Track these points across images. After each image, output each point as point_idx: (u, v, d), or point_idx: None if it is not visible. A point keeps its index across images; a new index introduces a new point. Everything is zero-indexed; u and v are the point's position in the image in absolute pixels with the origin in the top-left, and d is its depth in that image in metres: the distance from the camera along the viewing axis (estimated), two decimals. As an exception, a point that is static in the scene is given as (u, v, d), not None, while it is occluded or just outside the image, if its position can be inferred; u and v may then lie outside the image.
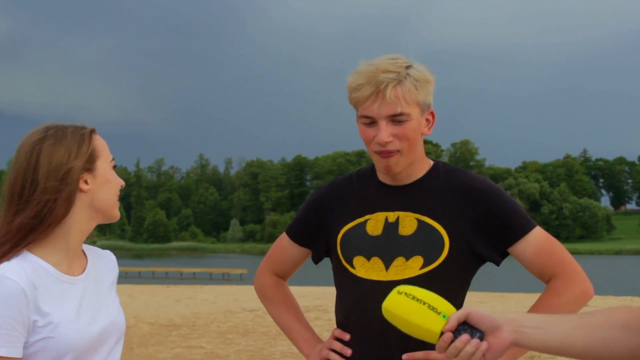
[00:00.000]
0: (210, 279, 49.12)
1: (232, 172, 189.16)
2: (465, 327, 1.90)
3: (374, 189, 2.65)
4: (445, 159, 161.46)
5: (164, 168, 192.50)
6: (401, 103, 2.45)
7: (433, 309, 1.92)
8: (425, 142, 2.79)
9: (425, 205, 2.56)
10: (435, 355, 2.48)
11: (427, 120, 2.57)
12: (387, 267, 2.53)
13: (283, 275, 2.90)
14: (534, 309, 2.54)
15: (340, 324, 2.66)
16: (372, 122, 2.50)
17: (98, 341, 2.18)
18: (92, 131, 2.27)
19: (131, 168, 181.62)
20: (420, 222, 2.54)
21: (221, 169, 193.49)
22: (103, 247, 2.48)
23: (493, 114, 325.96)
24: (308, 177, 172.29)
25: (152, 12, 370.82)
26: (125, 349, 12.00)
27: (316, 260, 2.83)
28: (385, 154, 2.49)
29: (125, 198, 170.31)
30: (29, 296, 2.05)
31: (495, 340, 1.89)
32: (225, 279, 49.87)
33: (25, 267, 2.10)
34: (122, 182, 2.32)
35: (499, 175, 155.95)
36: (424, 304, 1.92)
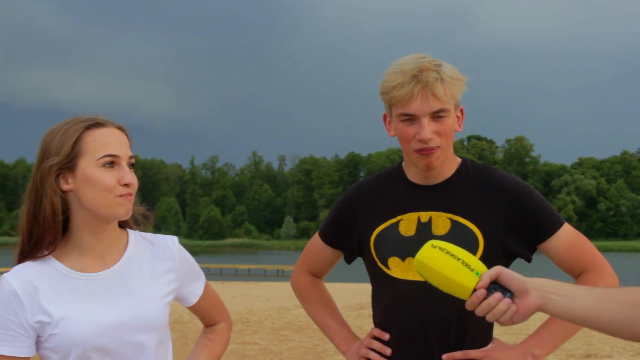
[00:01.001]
0: (265, 276, 49.34)
1: (286, 169, 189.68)
2: (496, 286, 1.94)
3: (404, 189, 2.68)
4: (499, 155, 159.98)
5: (218, 165, 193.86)
6: (442, 99, 2.48)
7: (466, 265, 1.95)
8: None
9: (458, 205, 2.60)
10: (475, 354, 2.55)
11: (457, 117, 2.61)
12: None
13: (318, 275, 2.95)
14: None
15: (379, 324, 2.70)
16: (411, 119, 2.52)
17: (111, 336, 2.17)
18: (88, 126, 2.19)
19: (186, 165, 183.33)
20: (453, 221, 2.58)
21: (275, 166, 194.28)
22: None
23: (548, 109, 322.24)
24: (362, 174, 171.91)
25: (207, 10, 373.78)
26: (180, 344, 12.10)
27: (348, 260, 2.87)
28: (427, 151, 2.52)
29: (180, 195, 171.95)
30: (22, 298, 2.12)
31: (522, 303, 1.92)
32: (280, 276, 50.00)
33: (31, 269, 2.17)
34: (110, 183, 2.16)
35: (555, 171, 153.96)
36: (458, 259, 1.96)
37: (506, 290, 1.94)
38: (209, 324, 2.60)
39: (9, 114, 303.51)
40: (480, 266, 1.97)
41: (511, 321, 1.94)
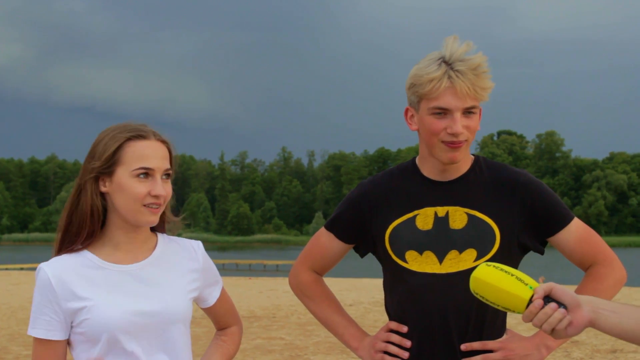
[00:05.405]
0: (293, 271, 49.31)
1: (315, 164, 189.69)
2: (549, 300, 2.05)
3: (419, 184, 2.72)
4: (530, 150, 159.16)
5: (248, 161, 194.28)
6: (476, 96, 2.56)
7: (520, 280, 2.07)
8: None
9: (474, 200, 2.66)
10: (493, 345, 2.61)
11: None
12: (440, 260, 2.62)
13: (321, 272, 2.94)
14: (578, 292, 2.63)
15: (396, 317, 2.72)
16: (444, 113, 2.58)
17: (140, 324, 2.33)
18: (130, 137, 2.35)
19: (215, 161, 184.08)
20: (470, 216, 2.64)
21: (304, 162, 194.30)
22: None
23: (580, 103, 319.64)
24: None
25: (241, 6, 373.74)
26: (206, 339, 12.12)
27: (362, 254, 2.88)
28: (456, 144, 2.58)
29: (209, 191, 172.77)
30: (55, 286, 2.31)
31: (575, 316, 2.02)
32: (308, 271, 49.93)
33: (66, 260, 2.37)
34: (141, 193, 2.32)
35: (586, 166, 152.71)
36: (512, 275, 2.08)
37: (559, 303, 2.04)
38: (221, 327, 2.71)
39: (43, 111, 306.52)
40: (533, 282, 2.08)
41: (565, 333, 2.03)
